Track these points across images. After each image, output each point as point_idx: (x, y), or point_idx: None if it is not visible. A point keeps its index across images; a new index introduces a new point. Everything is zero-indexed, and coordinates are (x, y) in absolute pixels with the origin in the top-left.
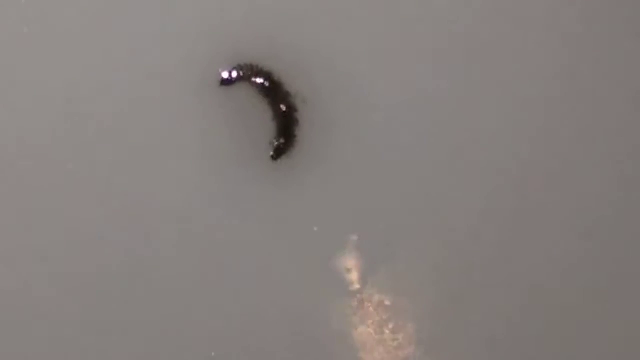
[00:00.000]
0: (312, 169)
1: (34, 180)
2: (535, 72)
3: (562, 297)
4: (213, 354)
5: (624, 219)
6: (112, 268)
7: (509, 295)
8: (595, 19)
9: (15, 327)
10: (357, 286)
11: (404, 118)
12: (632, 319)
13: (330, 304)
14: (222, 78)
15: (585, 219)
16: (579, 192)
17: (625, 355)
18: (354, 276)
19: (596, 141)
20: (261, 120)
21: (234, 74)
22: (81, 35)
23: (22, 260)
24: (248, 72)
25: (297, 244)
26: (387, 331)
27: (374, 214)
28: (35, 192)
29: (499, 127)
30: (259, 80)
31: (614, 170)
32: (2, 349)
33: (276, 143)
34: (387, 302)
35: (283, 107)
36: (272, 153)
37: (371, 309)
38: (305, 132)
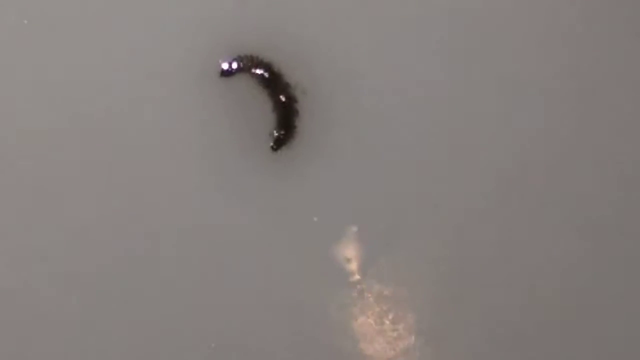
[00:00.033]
0: (312, 160)
1: (35, 173)
2: (535, 72)
3: (560, 287)
4: (213, 344)
5: (624, 218)
6: (114, 257)
7: (508, 286)
8: (595, 18)
9: (15, 327)
10: (357, 277)
11: (404, 109)
12: (632, 319)
13: (330, 294)
14: (222, 69)
15: (587, 214)
16: (581, 188)
17: (626, 355)
18: (353, 267)
19: (596, 141)
20: (261, 111)
21: (234, 65)
22: (80, 27)
23: (22, 260)
24: (248, 63)
25: (297, 234)
26: (387, 322)
27: (374, 205)
28: (35, 187)
29: (498, 111)
30: (259, 72)
31: (615, 170)
32: (3, 349)
33: (276, 134)
34: (386, 293)
35: (283, 98)
36: (272, 144)
37: (371, 299)
38: (305, 123)
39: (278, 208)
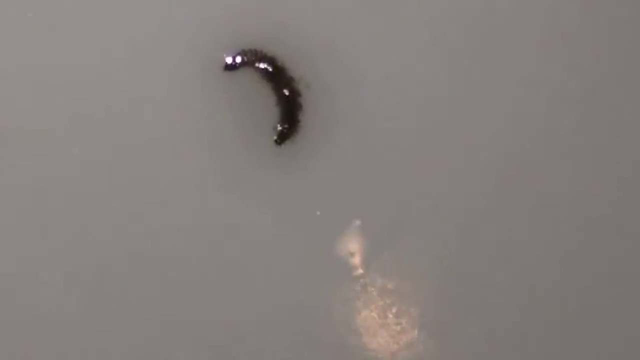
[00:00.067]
0: (315, 154)
1: (35, 171)
2: (536, 72)
3: (563, 282)
4: (216, 336)
5: (624, 218)
6: (116, 252)
7: (511, 279)
8: (595, 18)
9: (15, 327)
10: (360, 271)
11: (407, 104)
12: (632, 319)
13: (333, 288)
14: (226, 63)
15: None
16: (580, 188)
17: (626, 355)
18: (357, 261)
19: (596, 141)
20: (265, 105)
21: (238, 59)
22: (81, 22)
23: (27, 254)
24: (252, 57)
25: (300, 228)
26: (390, 315)
27: (377, 199)
28: (35, 185)
29: (505, 98)
30: (263, 65)
31: (615, 170)
32: (3, 349)
33: (280, 128)
34: (390, 287)
35: (287, 92)
36: (275, 138)
37: (374, 293)
38: (308, 117)
39: (281, 202)
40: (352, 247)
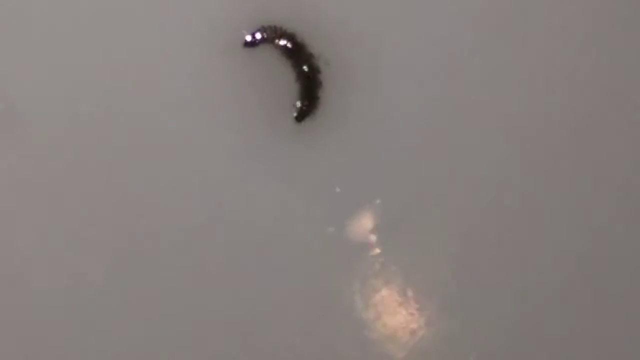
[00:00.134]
0: (335, 131)
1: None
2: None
3: (591, 258)
4: (228, 313)
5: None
6: (135, 226)
7: (536, 256)
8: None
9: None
10: (379, 248)
11: (429, 78)
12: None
13: (352, 266)
14: (246, 40)
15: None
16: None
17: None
18: (376, 238)
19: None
20: (285, 83)
21: (258, 36)
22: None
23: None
24: (271, 34)
25: (320, 205)
26: (409, 293)
27: (397, 176)
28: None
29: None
30: (282, 42)
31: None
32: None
33: (299, 105)
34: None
35: (306, 69)
36: (295, 115)
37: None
38: (328, 94)
39: (301, 179)
40: (372, 224)
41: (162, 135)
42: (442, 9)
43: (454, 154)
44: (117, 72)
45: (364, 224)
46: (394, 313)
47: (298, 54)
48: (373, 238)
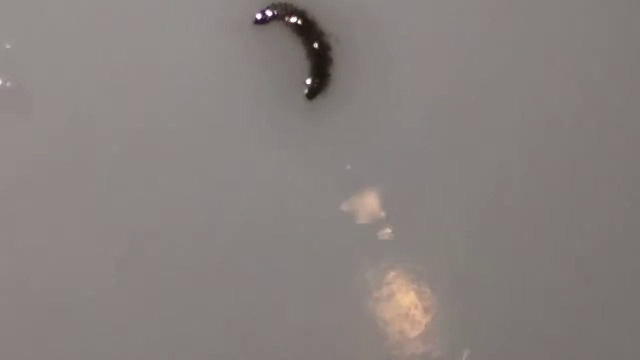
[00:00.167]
0: (346, 108)
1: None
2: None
3: (603, 252)
4: (236, 298)
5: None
6: (149, 212)
7: (551, 243)
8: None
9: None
10: (390, 227)
11: (439, 56)
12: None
13: (362, 245)
14: (256, 17)
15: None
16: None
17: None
18: (386, 216)
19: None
20: (295, 60)
21: (268, 13)
22: None
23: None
24: (282, 11)
25: (331, 182)
26: (420, 274)
27: (408, 153)
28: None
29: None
30: (293, 19)
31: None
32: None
33: (310, 82)
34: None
35: (317, 46)
36: (306, 92)
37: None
38: (339, 71)
39: (312, 156)
40: (383, 202)
41: (169, 115)
42: None
43: (466, 131)
44: (128, 53)
45: (375, 201)
46: (406, 293)
47: (309, 31)
48: (383, 216)
